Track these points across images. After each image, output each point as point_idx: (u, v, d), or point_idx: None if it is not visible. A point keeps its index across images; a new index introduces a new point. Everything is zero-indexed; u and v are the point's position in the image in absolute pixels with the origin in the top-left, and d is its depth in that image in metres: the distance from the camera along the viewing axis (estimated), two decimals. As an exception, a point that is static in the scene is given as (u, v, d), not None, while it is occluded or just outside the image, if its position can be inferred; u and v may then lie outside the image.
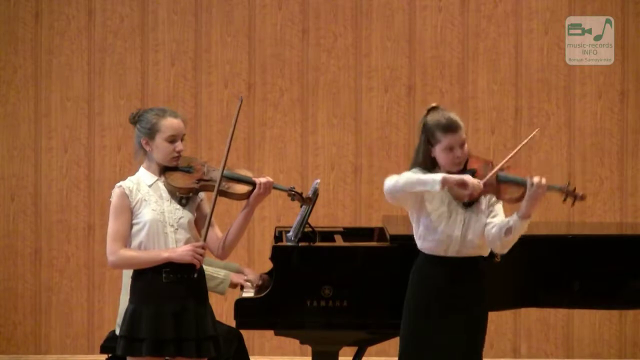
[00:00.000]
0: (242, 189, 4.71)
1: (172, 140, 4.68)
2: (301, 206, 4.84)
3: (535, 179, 4.50)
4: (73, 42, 7.70)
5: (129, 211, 4.65)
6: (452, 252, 4.69)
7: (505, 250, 4.73)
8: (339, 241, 5.67)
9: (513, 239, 4.64)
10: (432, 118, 4.64)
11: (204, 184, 4.68)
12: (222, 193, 4.71)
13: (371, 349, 5.62)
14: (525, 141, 4.72)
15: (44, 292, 7.71)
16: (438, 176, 4.50)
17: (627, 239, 5.73)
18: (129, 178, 4.73)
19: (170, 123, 4.68)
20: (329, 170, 7.66)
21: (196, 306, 4.67)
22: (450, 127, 4.59)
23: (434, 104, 4.76)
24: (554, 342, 7.69)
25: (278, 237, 5.88)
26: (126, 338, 4.64)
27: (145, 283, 4.65)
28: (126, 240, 4.64)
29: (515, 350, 7.69)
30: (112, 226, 4.64)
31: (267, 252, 5.38)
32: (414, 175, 4.58)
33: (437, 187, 4.48)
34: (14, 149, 7.71)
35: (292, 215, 5.60)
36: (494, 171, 4.58)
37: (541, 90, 7.71)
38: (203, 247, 4.63)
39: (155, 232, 4.63)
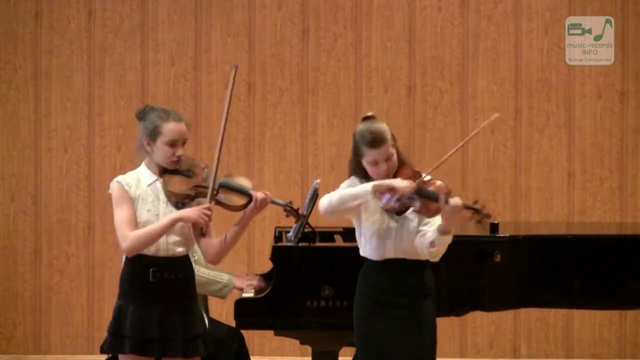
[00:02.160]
0: (238, 200, 4.64)
1: (172, 144, 4.63)
2: (296, 222, 4.78)
3: (451, 199, 4.46)
4: (73, 42, 7.70)
5: (131, 201, 4.62)
6: (389, 257, 4.66)
7: (436, 259, 4.64)
8: (339, 241, 5.67)
9: (438, 251, 4.58)
10: (360, 130, 4.66)
11: (201, 191, 4.63)
12: (218, 203, 4.66)
13: (371, 349, 5.62)
14: (486, 123, 4.72)
15: (44, 292, 7.71)
16: (368, 186, 4.55)
17: (627, 239, 5.74)
18: (128, 173, 4.70)
19: (172, 127, 4.62)
20: (329, 170, 7.67)
21: (184, 306, 4.64)
22: (374, 143, 4.60)
23: (369, 114, 4.76)
24: (554, 342, 7.70)
25: (278, 237, 5.88)
26: (111, 334, 4.65)
27: (133, 281, 4.64)
28: (134, 225, 4.58)
29: (515, 350, 7.69)
30: (118, 215, 4.60)
31: (267, 252, 5.38)
32: (345, 192, 4.62)
33: (370, 197, 4.54)
34: (14, 149, 7.71)
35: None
36: (419, 179, 4.58)
37: (541, 90, 7.71)
38: (209, 209, 4.57)
39: None
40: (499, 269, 5.32)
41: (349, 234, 5.89)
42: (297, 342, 5.40)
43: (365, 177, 4.68)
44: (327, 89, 7.72)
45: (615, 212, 7.70)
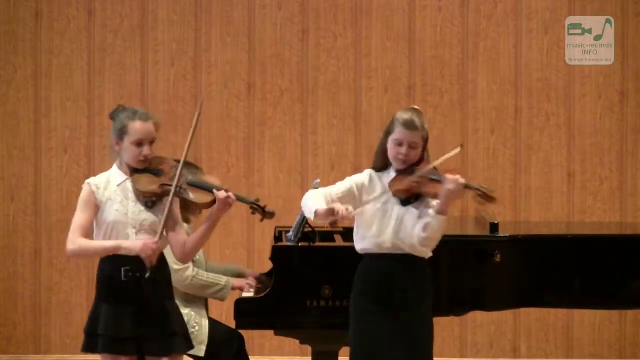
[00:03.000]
0: (204, 198, 4.64)
1: (139, 144, 4.64)
2: (261, 220, 4.76)
3: (450, 176, 4.52)
4: (73, 42, 7.70)
5: (95, 207, 4.65)
6: (386, 249, 4.65)
7: (425, 249, 4.62)
8: (339, 241, 5.67)
9: (430, 236, 4.57)
10: (401, 111, 4.73)
11: (167, 189, 4.62)
12: (183, 200, 4.66)
13: (371, 349, 5.62)
14: (448, 156, 4.70)
15: (44, 292, 7.71)
16: (314, 207, 4.55)
17: (627, 239, 5.74)
18: (99, 175, 4.74)
19: (138, 127, 4.63)
20: (329, 170, 7.67)
21: (159, 304, 4.65)
22: (408, 124, 4.65)
23: (415, 107, 4.82)
24: (554, 342, 7.69)
25: (278, 237, 5.89)
26: (87, 334, 4.70)
27: (106, 281, 4.65)
28: (87, 232, 4.65)
29: (515, 350, 7.69)
30: (76, 218, 4.65)
31: (267, 252, 5.39)
32: (306, 201, 4.66)
33: (312, 216, 4.58)
34: (14, 149, 7.71)
35: (292, 216, 5.61)
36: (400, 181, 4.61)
37: (541, 90, 7.71)
38: (156, 243, 4.57)
39: (117, 232, 4.64)
40: (499, 269, 5.32)
41: (349, 234, 5.89)
42: (297, 342, 5.40)
43: (384, 165, 4.70)
44: (327, 89, 7.72)
45: (615, 212, 7.70)
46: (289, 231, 5.46)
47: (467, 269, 5.33)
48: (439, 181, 4.56)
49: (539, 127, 7.71)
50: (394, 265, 4.64)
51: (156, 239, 4.58)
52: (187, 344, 4.73)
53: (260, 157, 7.72)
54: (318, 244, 5.32)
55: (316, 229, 5.35)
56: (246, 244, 7.68)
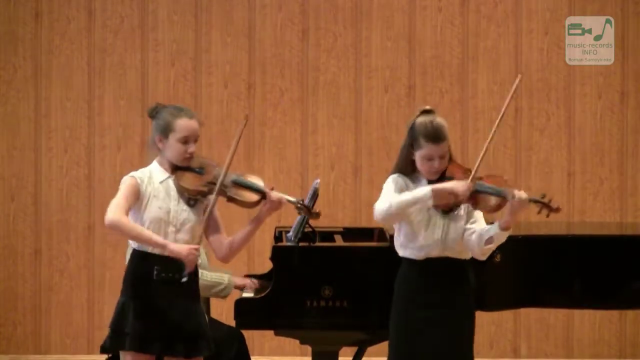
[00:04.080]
0: (251, 197, 4.66)
1: (184, 141, 4.63)
2: (304, 217, 4.78)
3: (517, 193, 4.49)
4: (73, 42, 7.70)
5: (138, 195, 4.61)
6: (434, 256, 4.65)
7: (484, 258, 4.70)
8: (339, 241, 5.67)
9: (491, 248, 4.63)
10: (421, 122, 4.60)
11: (213, 188, 4.62)
12: (231, 199, 4.66)
13: (371, 349, 5.63)
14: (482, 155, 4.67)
15: (44, 292, 7.70)
16: (427, 191, 4.50)
17: (627, 239, 5.73)
18: (140, 169, 4.70)
19: (185, 124, 4.64)
20: (329, 170, 7.67)
21: (185, 305, 4.64)
22: (434, 138, 4.56)
23: (428, 107, 4.70)
24: (554, 342, 7.69)
25: (278, 237, 5.89)
26: (113, 331, 4.66)
27: (136, 278, 4.64)
28: (126, 212, 4.55)
29: (515, 351, 7.69)
30: (119, 196, 4.56)
31: (267, 252, 5.38)
32: (404, 197, 4.54)
33: (430, 203, 4.51)
34: (14, 149, 7.71)
35: (292, 216, 5.61)
36: (472, 175, 4.56)
37: (541, 90, 7.71)
38: (197, 249, 4.58)
39: (156, 230, 4.61)
40: (499, 269, 5.32)
41: (349, 234, 5.91)
42: (297, 342, 5.40)
43: (412, 173, 4.66)
44: (327, 89, 7.72)
45: (615, 212, 7.70)
46: (288, 231, 5.46)
47: (467, 269, 5.33)
48: (500, 196, 4.52)
49: (539, 127, 7.71)
50: (440, 269, 4.64)
51: (196, 245, 4.58)
52: (209, 347, 4.72)
53: (260, 157, 7.72)
54: (318, 244, 5.32)
55: (316, 229, 5.35)
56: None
